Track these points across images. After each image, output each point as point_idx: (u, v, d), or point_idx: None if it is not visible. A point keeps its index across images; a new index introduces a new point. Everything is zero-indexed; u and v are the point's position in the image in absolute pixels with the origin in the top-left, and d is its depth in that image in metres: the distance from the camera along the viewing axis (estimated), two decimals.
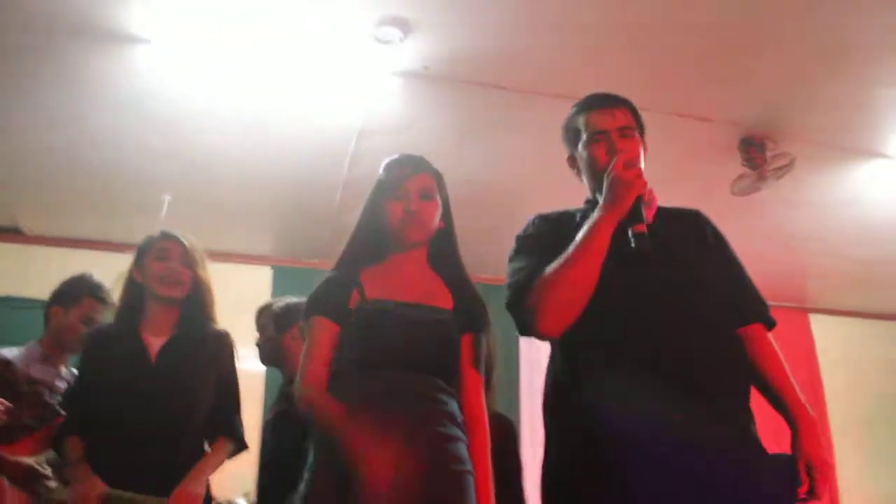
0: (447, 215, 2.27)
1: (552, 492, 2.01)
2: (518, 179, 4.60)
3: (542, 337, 2.00)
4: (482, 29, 3.37)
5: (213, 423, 2.76)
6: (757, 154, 4.13)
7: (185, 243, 2.84)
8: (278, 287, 5.39)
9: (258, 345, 3.25)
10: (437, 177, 2.25)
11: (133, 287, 2.81)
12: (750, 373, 2.03)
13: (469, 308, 2.20)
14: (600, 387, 1.95)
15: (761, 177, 4.17)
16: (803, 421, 1.96)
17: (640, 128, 2.14)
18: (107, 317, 3.14)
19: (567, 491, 1.96)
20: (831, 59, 3.54)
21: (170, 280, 2.76)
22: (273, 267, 5.65)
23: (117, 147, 4.19)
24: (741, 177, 4.23)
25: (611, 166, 1.96)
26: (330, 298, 2.14)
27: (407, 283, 2.16)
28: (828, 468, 1.90)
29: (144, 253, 2.82)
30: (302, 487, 2.01)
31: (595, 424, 1.92)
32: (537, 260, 2.04)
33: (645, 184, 1.94)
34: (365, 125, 4.01)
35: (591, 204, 2.09)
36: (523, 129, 4.10)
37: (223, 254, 5.36)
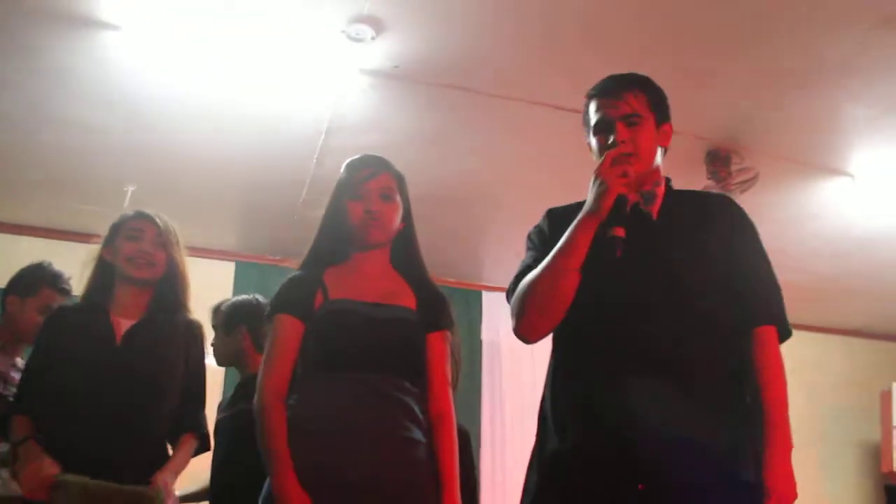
0: (408, 215, 2.26)
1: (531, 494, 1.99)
2: (485, 182, 4.60)
3: (522, 340, 2.01)
4: (454, 31, 3.37)
5: (179, 418, 2.65)
6: (722, 167, 4.18)
7: (160, 224, 2.71)
8: (240, 282, 5.36)
9: (212, 345, 3.23)
10: (398, 177, 2.25)
11: (103, 267, 2.69)
12: (744, 377, 1.93)
13: (432, 307, 2.21)
14: (576, 390, 1.94)
15: (725, 190, 4.21)
16: (773, 444, 1.84)
17: (659, 111, 2.04)
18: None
19: (541, 495, 1.95)
20: (798, 76, 3.58)
21: (140, 261, 2.64)
22: (236, 262, 5.60)
23: (81, 134, 4.13)
24: (706, 189, 4.27)
25: (599, 163, 1.90)
26: (295, 297, 2.14)
27: (370, 283, 2.16)
28: (785, 499, 1.79)
29: (116, 232, 2.70)
30: (265, 487, 2.01)
31: (567, 430, 1.92)
32: (531, 259, 2.04)
33: (626, 182, 1.86)
34: (332, 122, 3.99)
35: None
36: (492, 133, 4.10)
37: (186, 247, 5.30)
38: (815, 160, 4.29)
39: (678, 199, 2.06)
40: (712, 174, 4.20)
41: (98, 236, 2.78)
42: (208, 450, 2.79)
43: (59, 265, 3.15)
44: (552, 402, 1.99)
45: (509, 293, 2.05)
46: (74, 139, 4.19)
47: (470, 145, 4.23)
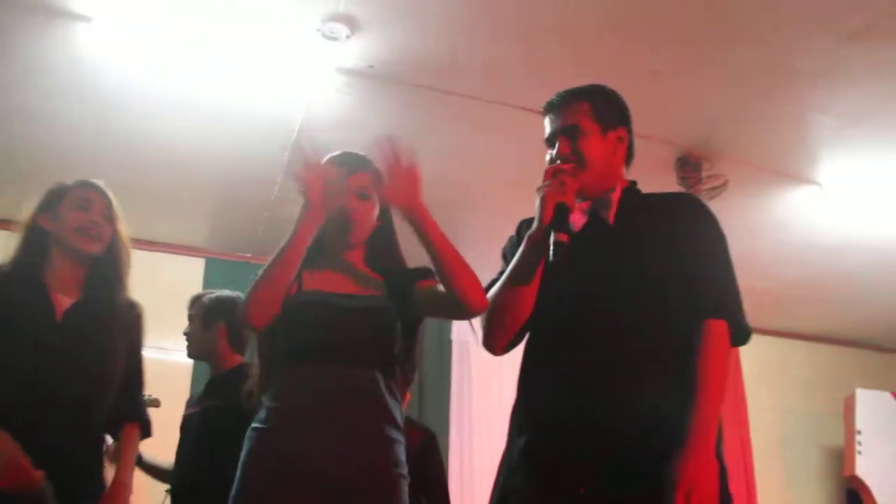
0: (385, 212, 2.26)
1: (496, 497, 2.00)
2: (459, 183, 4.59)
3: (489, 352, 2.08)
4: (430, 31, 3.37)
5: (119, 405, 2.52)
6: (692, 173, 4.21)
7: (110, 196, 2.58)
8: (210, 279, 5.32)
9: (185, 333, 3.19)
10: (375, 174, 2.23)
11: (37, 235, 2.49)
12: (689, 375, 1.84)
13: (404, 276, 2.18)
14: (528, 392, 1.99)
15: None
16: (694, 437, 1.76)
17: (605, 119, 2.05)
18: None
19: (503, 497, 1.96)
20: (768, 85, 3.62)
21: (89, 233, 2.48)
22: (206, 258, 5.56)
23: (49, 125, 4.08)
24: None
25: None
26: None
27: (343, 278, 2.17)
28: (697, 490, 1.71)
29: (59, 199, 2.53)
30: (235, 484, 2.00)
31: (522, 432, 1.94)
32: (498, 273, 2.08)
33: (565, 190, 1.90)
34: (305, 121, 3.98)
35: None
36: (466, 134, 4.10)
37: (156, 242, 5.26)
38: (785, 168, 4.34)
39: (639, 201, 2.08)
40: (682, 180, 4.23)
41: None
42: (149, 436, 2.71)
43: None
44: (516, 403, 2.03)
45: None
46: (43, 131, 4.13)
47: (444, 146, 4.23)
